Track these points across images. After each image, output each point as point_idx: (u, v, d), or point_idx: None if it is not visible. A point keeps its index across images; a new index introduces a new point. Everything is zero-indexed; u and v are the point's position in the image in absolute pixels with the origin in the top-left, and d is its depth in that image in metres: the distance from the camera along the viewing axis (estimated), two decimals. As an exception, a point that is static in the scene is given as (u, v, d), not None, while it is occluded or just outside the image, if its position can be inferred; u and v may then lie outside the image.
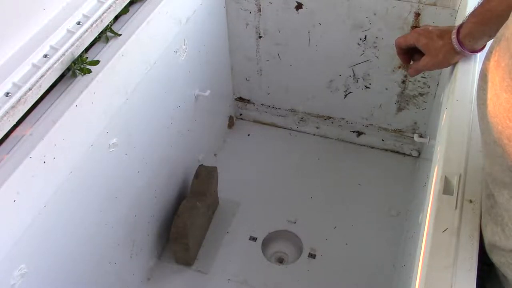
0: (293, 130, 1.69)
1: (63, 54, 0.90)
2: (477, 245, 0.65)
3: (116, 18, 1.05)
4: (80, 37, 0.93)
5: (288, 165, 1.59)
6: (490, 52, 0.58)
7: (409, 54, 0.97)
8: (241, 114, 1.74)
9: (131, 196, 1.15)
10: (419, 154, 1.57)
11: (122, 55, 0.99)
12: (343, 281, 1.31)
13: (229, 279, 1.32)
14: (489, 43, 0.88)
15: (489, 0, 0.79)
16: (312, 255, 1.36)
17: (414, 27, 1.29)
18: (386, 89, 1.47)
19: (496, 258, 0.64)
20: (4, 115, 0.79)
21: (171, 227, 1.26)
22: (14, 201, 0.78)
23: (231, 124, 1.71)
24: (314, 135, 1.68)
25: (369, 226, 1.42)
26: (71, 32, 0.93)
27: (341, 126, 1.63)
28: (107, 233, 1.09)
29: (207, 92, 1.39)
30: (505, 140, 0.53)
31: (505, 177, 0.57)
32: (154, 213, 1.29)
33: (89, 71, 0.93)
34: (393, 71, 1.42)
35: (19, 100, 0.81)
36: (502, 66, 0.53)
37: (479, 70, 0.87)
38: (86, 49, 0.97)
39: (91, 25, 0.96)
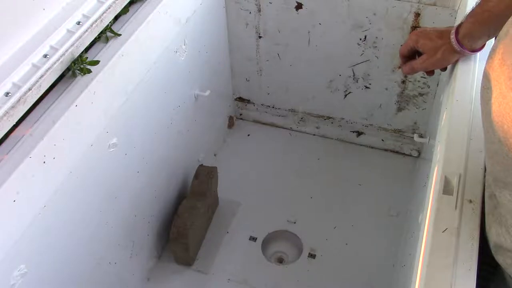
0: (293, 130, 1.69)
1: (63, 54, 0.90)
2: (477, 245, 0.64)
3: (116, 18, 1.05)
4: (80, 37, 0.93)
5: (288, 165, 1.59)
6: (493, 50, 0.57)
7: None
8: (241, 114, 1.74)
9: (131, 196, 1.15)
10: (419, 154, 1.57)
11: (122, 55, 0.99)
12: (343, 281, 1.31)
13: (229, 279, 1.32)
14: (489, 42, 0.87)
15: (487, 0, 0.79)
16: (312, 255, 1.36)
17: (414, 27, 1.29)
18: (386, 89, 1.47)
19: (501, 259, 0.64)
20: (4, 115, 0.79)
21: (171, 227, 1.26)
22: (14, 201, 0.78)
23: (231, 124, 1.71)
24: (314, 135, 1.68)
25: (369, 226, 1.42)
26: (71, 32, 0.93)
27: (341, 126, 1.63)
28: (107, 233, 1.09)
29: (207, 92, 1.39)
30: (511, 139, 0.53)
31: (508, 177, 0.56)
32: (154, 213, 1.29)
33: (89, 71, 0.93)
34: (393, 71, 1.42)
35: (19, 100, 0.81)
36: (507, 65, 0.52)
37: (479, 69, 0.88)
38: (86, 49, 0.97)
39: (91, 25, 0.96)
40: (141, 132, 1.13)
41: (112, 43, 1.00)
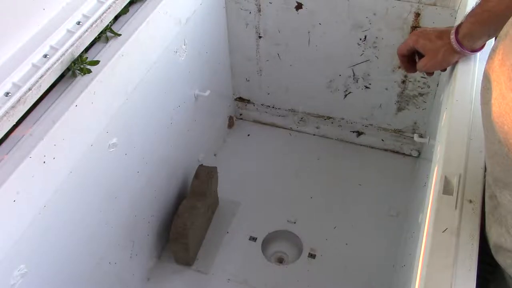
0: (293, 130, 1.69)
1: (63, 54, 0.90)
2: (477, 245, 0.64)
3: (116, 18, 1.05)
4: (80, 37, 0.93)
5: (288, 165, 1.59)
6: (493, 51, 0.57)
7: (412, 62, 0.96)
8: (241, 114, 1.74)
9: (131, 196, 1.15)
10: (419, 154, 1.57)
11: (122, 55, 0.99)
12: (343, 281, 1.31)
13: (229, 279, 1.32)
14: (489, 42, 0.88)
15: (487, 0, 0.79)
16: (312, 255, 1.36)
17: (414, 27, 1.29)
18: (386, 89, 1.47)
19: (501, 259, 0.64)
20: (4, 115, 0.79)
21: (171, 227, 1.26)
22: (14, 201, 0.78)
23: (231, 124, 1.71)
24: (314, 135, 1.68)
25: (369, 226, 1.42)
26: (71, 32, 0.93)
27: (341, 126, 1.63)
28: (107, 233, 1.09)
29: (207, 92, 1.39)
30: (511, 140, 0.53)
31: (508, 177, 0.56)
32: (154, 213, 1.29)
33: (89, 71, 0.93)
34: (393, 71, 1.42)
35: (19, 100, 0.81)
36: (507, 65, 0.52)
37: (479, 69, 0.88)
38: (86, 49, 0.97)
39: (91, 25, 0.96)
40: (141, 132, 1.13)
41: (112, 43, 1.00)
